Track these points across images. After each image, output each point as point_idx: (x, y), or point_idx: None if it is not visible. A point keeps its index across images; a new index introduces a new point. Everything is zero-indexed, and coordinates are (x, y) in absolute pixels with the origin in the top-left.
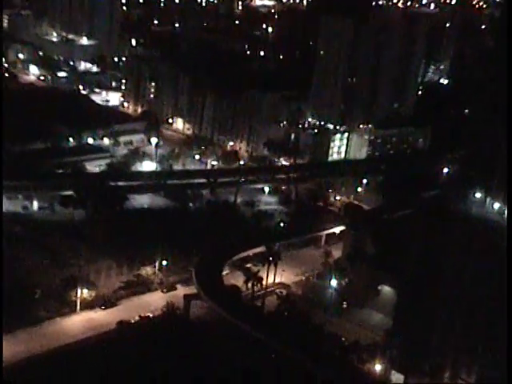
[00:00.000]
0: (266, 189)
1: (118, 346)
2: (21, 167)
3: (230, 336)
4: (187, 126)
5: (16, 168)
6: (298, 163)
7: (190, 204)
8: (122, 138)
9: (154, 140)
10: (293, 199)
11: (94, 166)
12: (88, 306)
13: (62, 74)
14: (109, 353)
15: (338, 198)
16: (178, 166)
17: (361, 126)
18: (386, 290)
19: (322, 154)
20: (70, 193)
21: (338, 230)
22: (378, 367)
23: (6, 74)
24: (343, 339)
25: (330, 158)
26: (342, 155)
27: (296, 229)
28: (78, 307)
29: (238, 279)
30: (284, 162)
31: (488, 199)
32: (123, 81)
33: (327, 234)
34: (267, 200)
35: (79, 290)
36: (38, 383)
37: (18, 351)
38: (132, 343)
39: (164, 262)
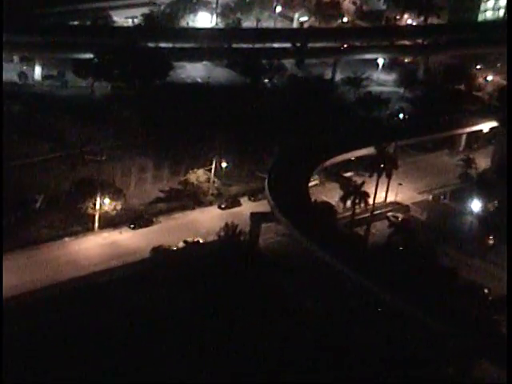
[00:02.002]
0: (381, 61)
1: (153, 282)
2: (17, 15)
3: (318, 278)
4: None
5: (10, 17)
6: (430, 23)
7: (266, 80)
8: None
9: None
10: (420, 78)
11: (125, 18)
12: (111, 223)
13: None
14: (139, 292)
15: (489, 78)
16: (249, 23)
17: None
18: None
19: (468, 9)
20: (88, 56)
21: (487, 127)
22: None
23: None
24: (486, 291)
25: (480, 17)
26: (501, 13)
27: (422, 123)
28: (97, 224)
29: (331, 194)
30: (409, 21)
31: None
32: None
33: (470, 133)
34: (381, 78)
35: (98, 200)
36: (28, 335)
37: None
38: (173, 279)
39: (224, 164)
